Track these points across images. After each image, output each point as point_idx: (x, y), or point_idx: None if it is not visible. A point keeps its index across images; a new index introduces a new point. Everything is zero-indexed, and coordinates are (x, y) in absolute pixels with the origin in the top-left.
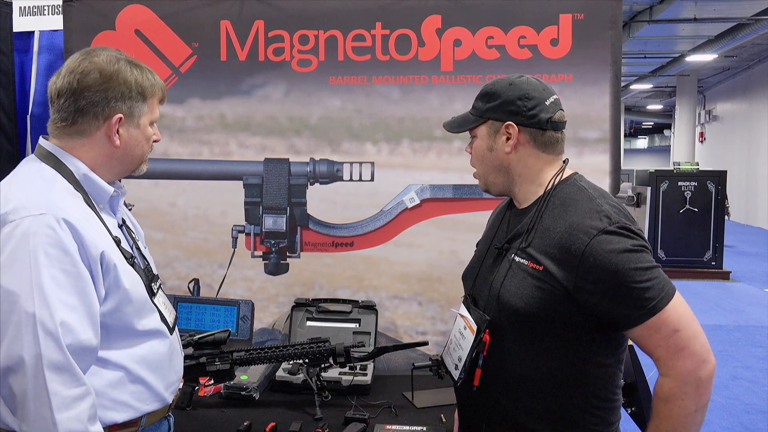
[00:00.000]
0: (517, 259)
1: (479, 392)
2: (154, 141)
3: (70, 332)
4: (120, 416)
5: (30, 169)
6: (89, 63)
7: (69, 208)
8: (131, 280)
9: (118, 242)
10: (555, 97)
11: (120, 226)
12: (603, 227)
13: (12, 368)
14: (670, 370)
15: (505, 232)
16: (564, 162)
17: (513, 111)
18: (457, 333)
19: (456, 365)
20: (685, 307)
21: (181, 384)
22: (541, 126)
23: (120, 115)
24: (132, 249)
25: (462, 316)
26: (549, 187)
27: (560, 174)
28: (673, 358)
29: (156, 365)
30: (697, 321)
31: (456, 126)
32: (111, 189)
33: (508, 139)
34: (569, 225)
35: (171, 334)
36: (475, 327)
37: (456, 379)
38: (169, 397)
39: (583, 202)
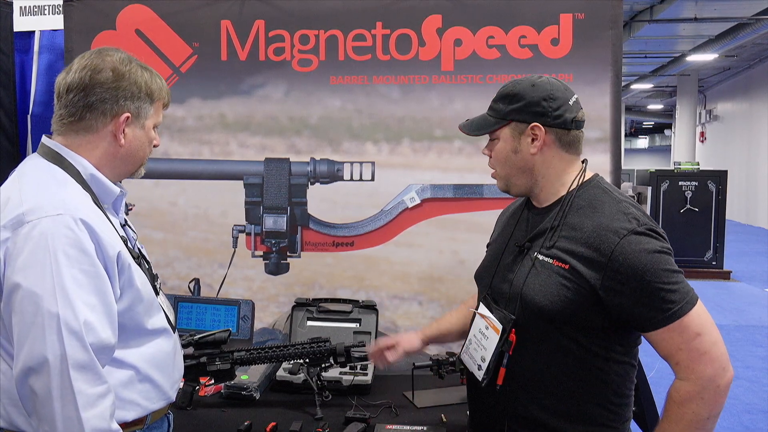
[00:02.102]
0: (540, 257)
1: (499, 391)
2: (154, 146)
3: (92, 331)
4: (129, 415)
5: (39, 169)
6: (102, 61)
7: (84, 208)
8: (141, 279)
9: (124, 242)
10: (576, 96)
11: (123, 226)
12: (632, 228)
13: (34, 368)
14: (690, 374)
15: (524, 231)
16: (583, 162)
17: (539, 112)
18: (477, 333)
19: (479, 365)
20: (707, 314)
21: (182, 383)
22: (566, 126)
23: (128, 114)
24: (136, 248)
25: (483, 315)
26: (573, 187)
27: (582, 175)
28: (694, 363)
29: (163, 364)
30: (717, 329)
31: (475, 128)
32: (117, 189)
33: (533, 140)
34: (598, 225)
35: (174, 333)
36: (499, 327)
37: (480, 379)
38: (173, 395)
39: (610, 204)
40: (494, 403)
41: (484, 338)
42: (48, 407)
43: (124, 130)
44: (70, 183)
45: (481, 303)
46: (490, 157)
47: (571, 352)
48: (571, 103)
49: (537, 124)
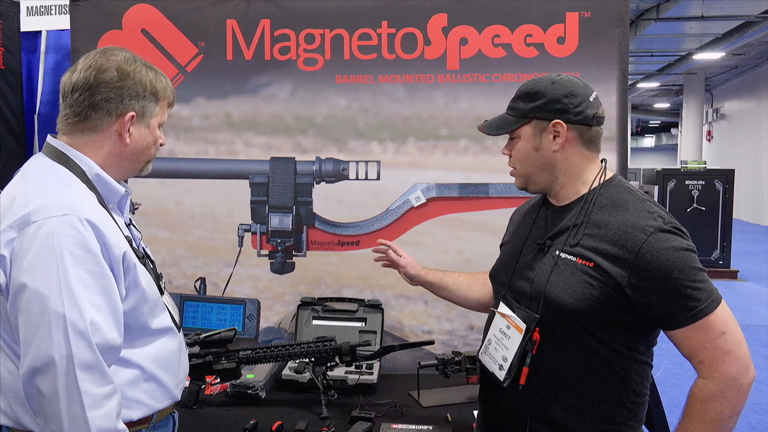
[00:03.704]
0: (563, 255)
1: (521, 391)
2: (160, 144)
3: (98, 331)
4: (135, 414)
5: (44, 168)
6: (107, 60)
7: (89, 208)
8: (146, 279)
9: (129, 241)
10: (595, 93)
11: (128, 226)
12: (659, 226)
13: (41, 368)
14: (714, 372)
15: (543, 229)
16: (602, 161)
17: (560, 109)
18: (497, 332)
19: (501, 365)
20: (731, 313)
21: (188, 382)
22: (587, 122)
23: (133, 113)
24: (140, 248)
25: (503, 314)
26: (595, 185)
27: (603, 173)
28: (719, 361)
29: (168, 363)
30: (740, 328)
31: (496, 128)
32: (122, 189)
33: (555, 137)
34: (623, 222)
35: (179, 332)
36: (522, 326)
37: (502, 379)
38: (179, 394)
39: (634, 203)
40: (509, 402)
41: (506, 338)
42: (54, 407)
43: (129, 129)
44: (75, 183)
45: (501, 302)
46: (510, 156)
47: (594, 350)
48: (591, 99)
49: (559, 121)
